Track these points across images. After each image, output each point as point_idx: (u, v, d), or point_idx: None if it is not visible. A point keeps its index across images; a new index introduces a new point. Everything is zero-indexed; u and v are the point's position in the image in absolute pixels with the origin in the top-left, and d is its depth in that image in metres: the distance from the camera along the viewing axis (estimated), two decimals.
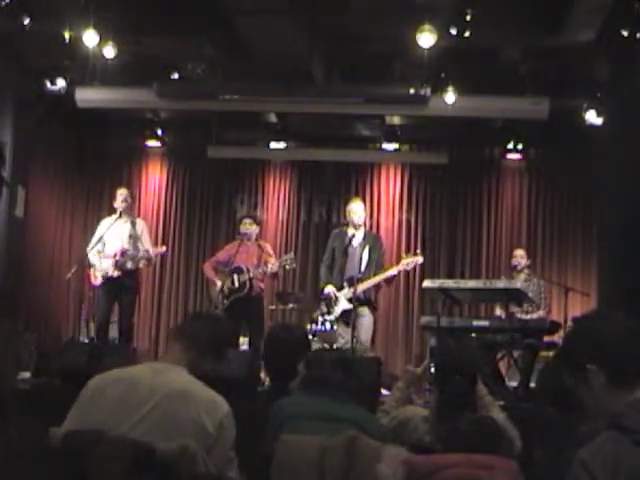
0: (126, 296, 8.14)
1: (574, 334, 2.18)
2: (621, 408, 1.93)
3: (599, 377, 2.01)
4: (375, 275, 7.49)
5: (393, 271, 7.59)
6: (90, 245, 8.14)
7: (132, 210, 8.64)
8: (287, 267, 8.20)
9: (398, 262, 7.80)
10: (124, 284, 8.05)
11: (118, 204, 8.20)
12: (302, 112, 10.02)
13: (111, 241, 8.07)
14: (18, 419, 2.56)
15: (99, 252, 8.06)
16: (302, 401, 3.35)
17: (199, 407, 2.80)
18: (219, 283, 8.02)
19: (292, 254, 8.31)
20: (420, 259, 7.74)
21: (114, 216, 8.23)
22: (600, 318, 2.13)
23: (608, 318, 2.10)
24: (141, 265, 8.26)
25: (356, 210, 7.70)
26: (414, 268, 8.99)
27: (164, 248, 9.13)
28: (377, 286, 7.67)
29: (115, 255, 7.98)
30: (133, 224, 8.17)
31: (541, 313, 8.25)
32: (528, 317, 8.10)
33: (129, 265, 8.03)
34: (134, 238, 8.09)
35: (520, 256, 8.69)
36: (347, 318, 7.35)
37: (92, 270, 8.10)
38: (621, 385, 1.99)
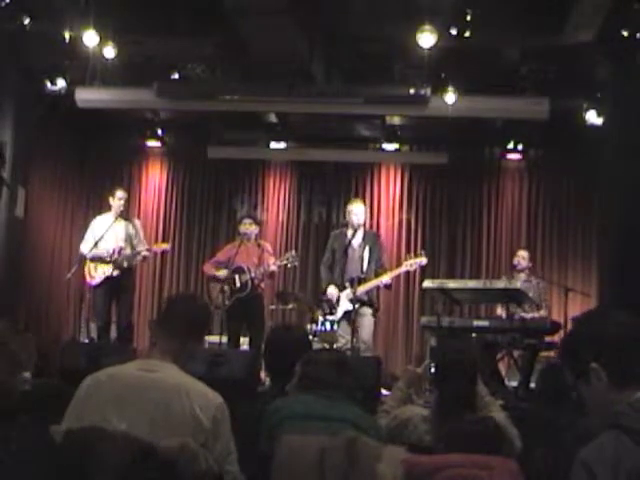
0: (123, 295, 8.15)
1: (578, 331, 2.17)
2: (622, 407, 1.93)
3: (601, 375, 2.00)
4: (377, 275, 7.49)
5: (395, 272, 7.59)
6: (86, 245, 8.10)
7: (127, 210, 8.66)
8: (289, 265, 8.20)
9: (400, 263, 7.80)
10: (121, 283, 8.06)
11: (117, 205, 8.19)
12: (302, 112, 10.02)
13: (106, 240, 8.06)
14: (18, 419, 2.56)
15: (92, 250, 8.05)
16: (298, 401, 3.35)
17: (193, 402, 2.80)
18: (222, 272, 8.01)
19: (294, 252, 8.31)
20: (424, 260, 7.73)
21: (109, 215, 8.21)
22: (604, 316, 2.12)
23: (613, 317, 2.08)
24: (139, 258, 8.27)
25: (356, 211, 7.69)
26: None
27: (167, 245, 9.12)
28: (378, 287, 7.67)
29: (113, 253, 7.97)
30: (128, 224, 8.18)
31: (542, 313, 8.25)
32: (529, 316, 8.10)
33: (125, 264, 8.04)
34: (130, 238, 8.11)
35: (522, 257, 8.69)
36: (349, 318, 7.36)
37: (87, 269, 8.07)
38: (622, 385, 1.98)
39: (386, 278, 7.51)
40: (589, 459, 1.88)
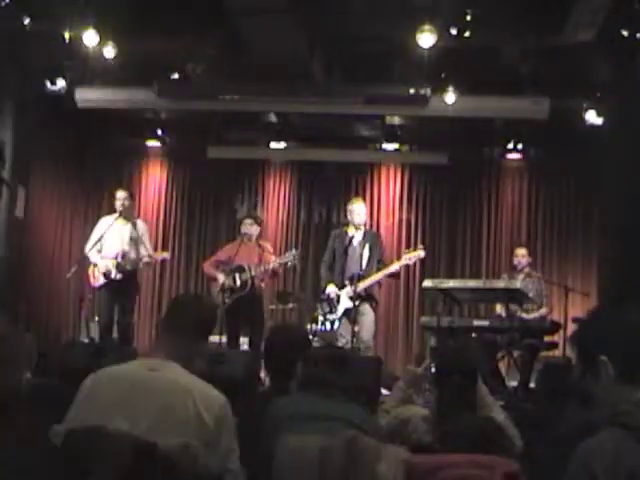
0: (126, 298, 8.14)
1: (589, 323, 2.18)
2: (625, 406, 1.93)
3: (608, 370, 2.01)
4: (377, 271, 7.50)
5: (395, 266, 7.60)
6: (89, 245, 8.12)
7: (132, 211, 8.62)
8: (289, 264, 8.18)
9: (399, 258, 7.80)
10: (124, 286, 8.05)
11: (117, 205, 8.19)
12: (302, 112, 10.03)
13: (110, 242, 8.06)
14: (18, 419, 2.56)
15: (98, 252, 8.06)
16: (298, 400, 3.35)
17: (197, 402, 2.79)
18: (221, 277, 8.01)
19: (294, 250, 8.27)
20: (422, 253, 7.74)
21: (113, 216, 8.21)
22: (617, 312, 2.12)
23: (625, 313, 2.09)
24: (141, 266, 8.26)
25: (358, 211, 7.70)
26: (414, 268, 9.02)
27: (167, 254, 9.10)
28: (379, 283, 7.69)
29: (116, 257, 7.97)
30: (134, 226, 8.16)
31: (543, 311, 8.25)
32: (531, 317, 8.09)
33: (129, 267, 8.03)
34: (135, 241, 8.08)
35: (521, 255, 8.69)
36: (349, 316, 7.36)
37: (92, 270, 8.08)
38: (629, 381, 1.99)
39: (386, 273, 7.52)
40: (588, 456, 1.88)
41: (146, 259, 8.13)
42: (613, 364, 2.00)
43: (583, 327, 2.19)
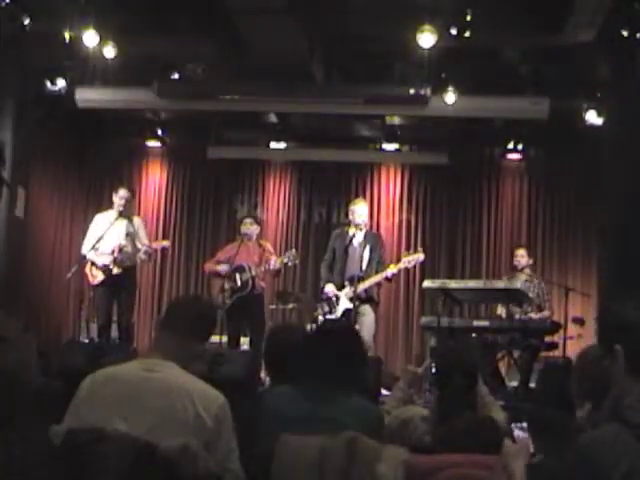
0: (125, 295, 8.12)
1: (608, 312, 2.19)
2: (629, 400, 1.93)
3: (621, 359, 2.01)
4: (377, 273, 7.49)
5: (394, 269, 7.58)
6: (87, 245, 8.05)
7: (132, 209, 8.61)
8: (289, 264, 8.19)
9: (399, 260, 7.80)
10: (123, 283, 8.03)
11: (118, 204, 8.14)
12: (302, 112, 10.03)
13: (107, 239, 8.02)
14: (18, 420, 2.56)
15: (96, 250, 8.01)
16: (297, 399, 3.33)
17: (195, 402, 2.78)
18: (223, 267, 8.01)
19: (294, 250, 8.28)
20: (421, 256, 7.73)
21: (111, 213, 8.16)
22: (635, 303, 2.12)
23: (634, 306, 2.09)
24: (139, 260, 8.21)
25: (359, 211, 7.69)
26: (414, 268, 9.01)
27: (167, 243, 9.12)
28: (378, 283, 7.68)
29: (113, 252, 7.94)
30: (130, 221, 8.14)
31: (546, 313, 8.25)
32: (537, 316, 8.07)
33: (127, 262, 8.00)
34: (131, 235, 8.06)
35: (521, 255, 8.69)
36: (349, 317, 7.35)
37: (89, 269, 8.04)
38: (636, 373, 1.99)
39: (384, 275, 7.51)
40: (589, 447, 1.88)
41: (145, 249, 8.06)
42: (625, 354, 2.01)
43: (605, 312, 2.21)
